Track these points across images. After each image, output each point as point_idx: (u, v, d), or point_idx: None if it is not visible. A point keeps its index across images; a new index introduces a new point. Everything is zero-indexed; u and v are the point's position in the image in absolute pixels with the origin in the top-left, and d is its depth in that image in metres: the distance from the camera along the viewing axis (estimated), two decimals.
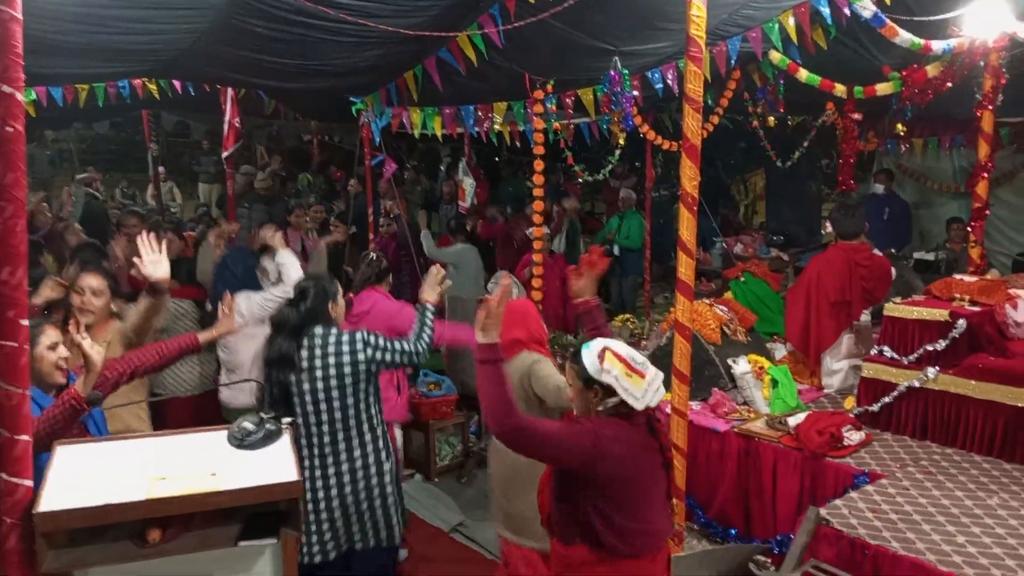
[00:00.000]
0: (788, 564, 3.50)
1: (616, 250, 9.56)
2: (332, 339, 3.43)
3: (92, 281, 3.71)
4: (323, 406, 3.41)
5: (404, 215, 8.23)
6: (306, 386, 3.40)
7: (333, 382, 3.40)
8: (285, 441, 2.73)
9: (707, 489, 4.75)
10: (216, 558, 2.52)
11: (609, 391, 2.51)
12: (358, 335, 3.46)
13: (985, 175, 5.58)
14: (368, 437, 3.49)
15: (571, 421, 2.61)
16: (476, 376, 2.50)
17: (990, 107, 5.47)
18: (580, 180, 12.59)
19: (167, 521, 2.46)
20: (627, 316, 7.28)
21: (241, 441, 2.66)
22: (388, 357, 3.47)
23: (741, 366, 5.08)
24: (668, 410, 4.27)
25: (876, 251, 5.61)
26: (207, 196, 13.15)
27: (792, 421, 4.48)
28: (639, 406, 2.51)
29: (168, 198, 13.15)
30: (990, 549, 3.35)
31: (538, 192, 6.05)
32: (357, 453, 3.46)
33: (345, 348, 3.41)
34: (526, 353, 3.55)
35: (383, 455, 3.54)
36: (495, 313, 2.50)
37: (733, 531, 4.56)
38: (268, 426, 2.70)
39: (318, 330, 3.44)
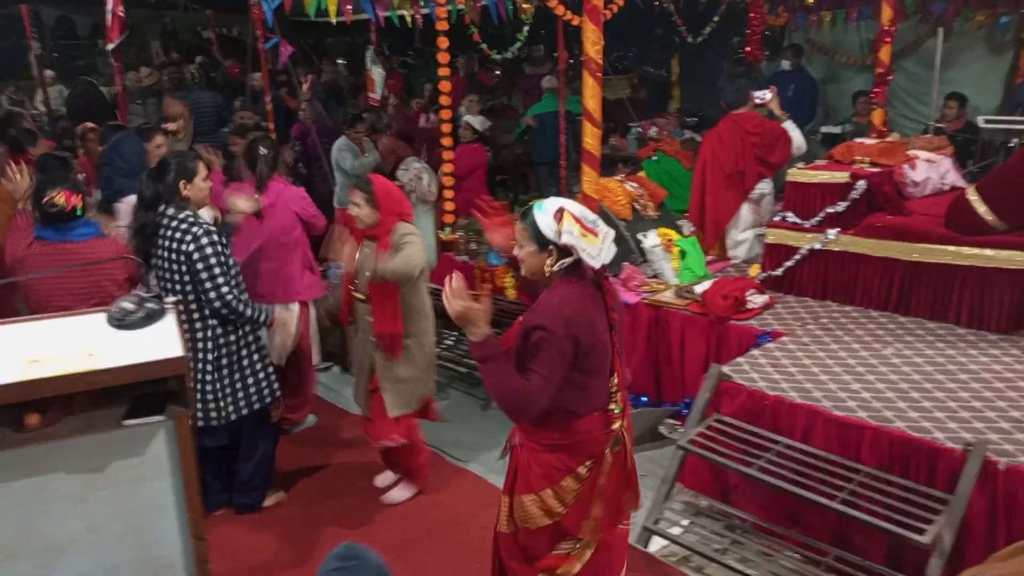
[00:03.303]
0: (692, 419, 3.60)
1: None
2: (175, 223, 3.48)
3: None
4: (167, 284, 3.51)
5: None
6: (154, 262, 3.52)
7: (167, 264, 3.48)
8: (169, 320, 2.63)
9: None
10: (105, 442, 2.44)
11: (564, 252, 2.42)
12: (195, 229, 3.46)
13: (888, 39, 5.59)
14: (208, 323, 3.57)
15: (538, 340, 2.39)
16: (483, 376, 2.42)
17: None
18: (497, 72, 12.38)
19: (46, 405, 2.36)
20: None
21: (121, 321, 2.55)
22: (200, 276, 3.45)
23: (651, 239, 5.11)
24: None
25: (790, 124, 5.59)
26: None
27: (699, 289, 4.54)
28: (596, 264, 2.46)
29: (59, 102, 12.37)
30: (883, 393, 3.49)
31: (444, 72, 5.84)
32: (199, 336, 3.56)
33: (178, 235, 3.45)
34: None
35: (220, 341, 3.58)
36: (473, 306, 2.37)
37: (644, 398, 4.67)
38: (149, 305, 2.59)
39: (169, 210, 3.48)
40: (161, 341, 2.49)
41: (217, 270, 3.44)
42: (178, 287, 3.46)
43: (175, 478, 2.53)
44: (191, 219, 3.47)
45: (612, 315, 2.54)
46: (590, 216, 2.47)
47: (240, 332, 3.64)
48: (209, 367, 3.56)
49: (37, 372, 2.28)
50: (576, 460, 2.54)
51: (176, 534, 2.53)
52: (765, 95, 5.41)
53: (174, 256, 3.44)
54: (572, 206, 2.46)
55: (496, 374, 2.39)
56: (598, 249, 2.43)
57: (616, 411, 2.57)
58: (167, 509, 2.53)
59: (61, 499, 2.40)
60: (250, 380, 3.69)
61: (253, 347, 3.71)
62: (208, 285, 3.44)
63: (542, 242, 2.43)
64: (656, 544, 3.61)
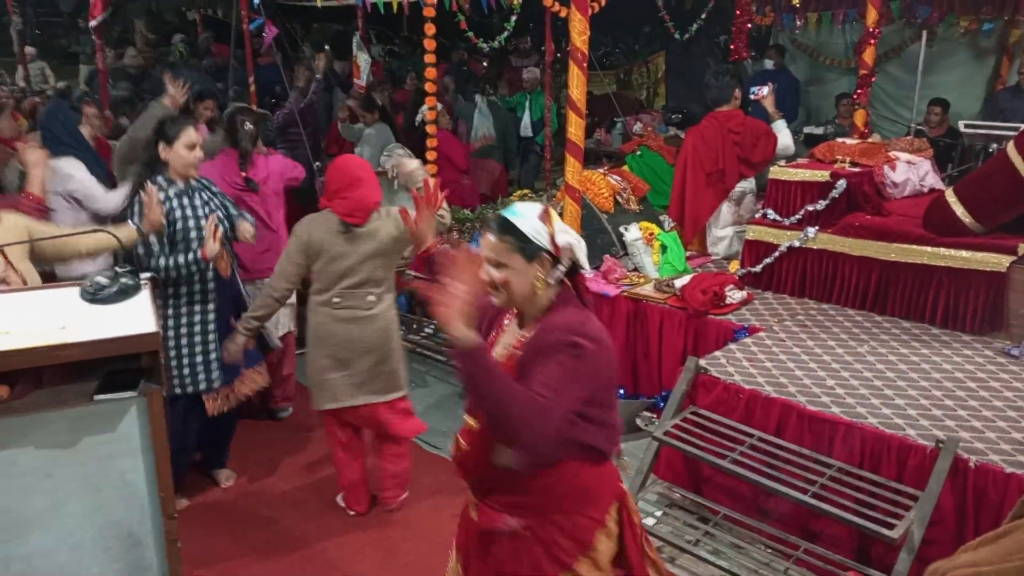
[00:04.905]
0: (668, 411, 3.61)
1: (531, 131, 9.53)
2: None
3: None
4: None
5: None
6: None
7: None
8: (144, 296, 2.60)
9: None
10: (75, 417, 2.40)
11: (555, 259, 2.02)
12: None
13: (872, 41, 5.62)
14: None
15: (566, 358, 1.91)
16: (478, 394, 1.85)
17: None
18: (484, 63, 12.35)
19: (15, 377, 2.33)
20: (524, 191, 7.22)
21: (94, 295, 2.51)
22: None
23: (632, 233, 5.12)
24: None
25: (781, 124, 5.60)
26: (87, 77, 12.25)
27: (678, 283, 4.56)
28: (589, 271, 2.14)
29: (39, 80, 12.22)
30: (857, 390, 3.52)
31: (430, 59, 5.80)
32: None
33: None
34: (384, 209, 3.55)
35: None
36: (462, 298, 1.80)
37: (621, 391, 4.68)
38: (124, 280, 2.56)
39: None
40: (135, 316, 2.47)
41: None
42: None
43: (146, 456, 2.50)
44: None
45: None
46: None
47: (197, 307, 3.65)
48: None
49: (6, 344, 2.25)
50: (601, 510, 2.10)
51: (146, 512, 2.50)
52: (763, 91, 5.42)
53: None
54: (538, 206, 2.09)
55: (500, 387, 1.82)
56: (583, 252, 2.08)
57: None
58: (137, 487, 2.50)
59: (28, 474, 2.36)
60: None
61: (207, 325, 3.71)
62: (141, 255, 3.48)
63: (530, 252, 2.00)
64: None
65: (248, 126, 4.43)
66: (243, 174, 4.42)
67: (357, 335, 3.53)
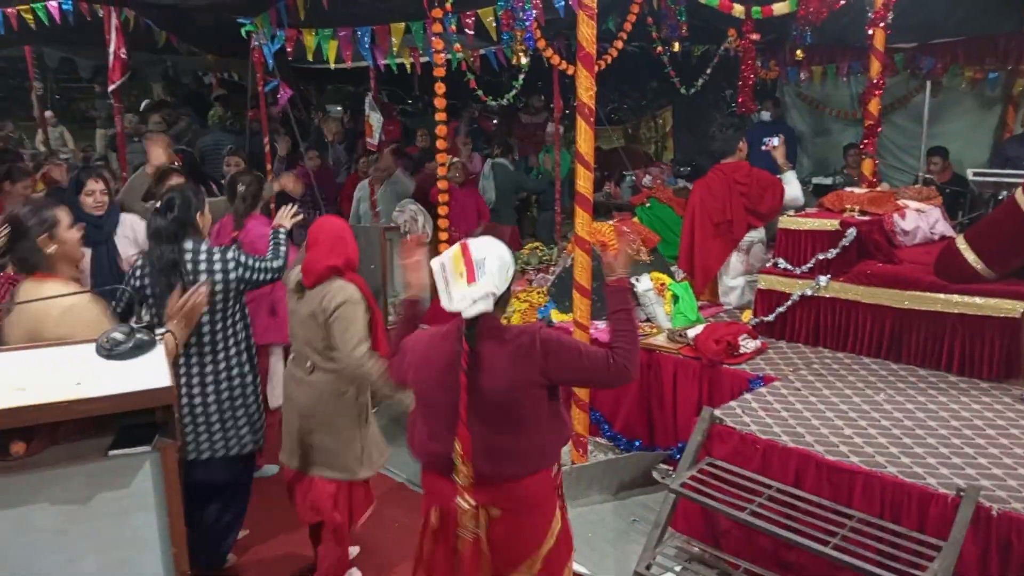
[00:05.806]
0: (684, 463, 3.57)
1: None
2: (204, 255, 3.39)
3: None
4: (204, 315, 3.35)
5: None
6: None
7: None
8: (159, 351, 2.61)
9: (612, 404, 4.81)
10: (90, 473, 2.40)
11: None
12: (230, 253, 3.44)
13: (877, 93, 5.69)
14: (232, 352, 3.49)
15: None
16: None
17: (881, 24, 5.55)
18: (494, 120, 12.55)
19: (31, 433, 2.33)
20: (536, 244, 7.26)
21: (110, 351, 2.52)
22: (256, 276, 3.50)
23: (643, 283, 5.13)
24: (572, 326, 4.30)
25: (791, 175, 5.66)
26: (103, 141, 12.53)
27: (691, 333, 4.55)
28: (444, 304, 2.41)
29: (59, 143, 12.51)
30: (875, 439, 3.48)
31: (441, 116, 5.90)
32: (222, 367, 3.46)
33: (218, 266, 3.38)
34: (341, 281, 3.37)
35: (245, 368, 3.54)
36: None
37: (637, 442, 4.64)
38: (139, 336, 2.57)
39: (188, 244, 3.38)
40: (150, 371, 2.48)
41: (257, 262, 3.51)
42: (205, 316, 3.36)
43: (159, 512, 2.48)
44: (218, 251, 3.44)
45: (462, 376, 2.36)
46: (490, 263, 2.37)
47: (250, 365, 3.58)
48: (234, 394, 3.52)
49: (22, 399, 2.26)
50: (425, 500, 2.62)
51: (159, 569, 2.48)
52: (773, 141, 5.51)
53: (213, 287, 3.36)
54: (485, 244, 2.44)
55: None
56: (458, 294, 2.37)
57: (461, 483, 2.39)
58: (151, 543, 2.48)
59: (42, 531, 2.35)
60: (254, 416, 3.62)
61: (254, 384, 3.63)
62: (266, 277, 3.53)
63: None
64: None
65: (240, 188, 4.54)
66: (233, 235, 4.48)
67: (295, 396, 3.49)
